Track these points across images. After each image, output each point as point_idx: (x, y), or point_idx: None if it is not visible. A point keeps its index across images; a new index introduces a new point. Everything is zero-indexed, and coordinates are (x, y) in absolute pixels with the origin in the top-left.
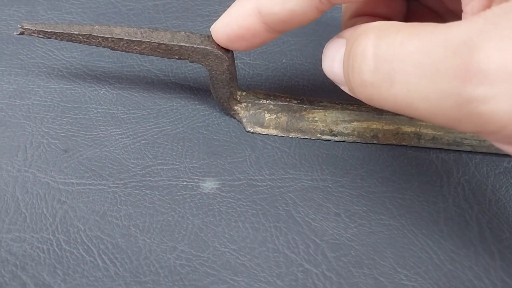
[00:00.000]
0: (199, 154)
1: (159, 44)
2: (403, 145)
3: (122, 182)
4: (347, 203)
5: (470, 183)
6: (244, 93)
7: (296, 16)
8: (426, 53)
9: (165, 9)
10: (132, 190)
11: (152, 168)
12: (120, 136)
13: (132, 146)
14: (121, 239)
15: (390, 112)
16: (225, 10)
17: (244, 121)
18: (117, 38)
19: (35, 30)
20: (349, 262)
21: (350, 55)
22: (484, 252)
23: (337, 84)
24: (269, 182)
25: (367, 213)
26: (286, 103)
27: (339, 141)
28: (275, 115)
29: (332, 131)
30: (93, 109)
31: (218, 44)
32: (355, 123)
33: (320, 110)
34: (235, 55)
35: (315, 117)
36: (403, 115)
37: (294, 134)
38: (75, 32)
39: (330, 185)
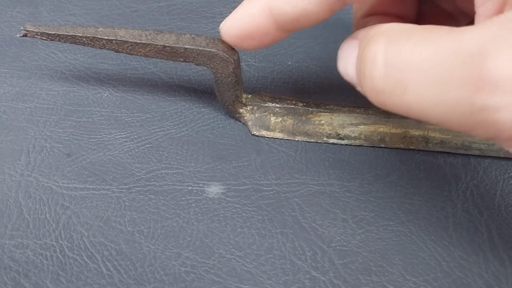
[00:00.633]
0: (204, 158)
1: (164, 46)
2: (411, 149)
3: (126, 187)
4: (354, 208)
5: (479, 188)
6: (250, 95)
7: (307, 16)
8: (438, 61)
9: (169, 11)
10: (137, 195)
11: (157, 172)
12: (124, 140)
13: (136, 150)
14: (125, 246)
15: (397, 115)
16: (230, 12)
17: (249, 124)
18: (122, 40)
19: (38, 32)
20: (357, 269)
21: (361, 60)
22: (494, 259)
23: (352, 85)
24: (275, 187)
25: (375, 219)
26: (292, 106)
27: (346, 144)
28: (280, 118)
29: (339, 134)
30: (97, 112)
31: (224, 47)
32: (362, 126)
33: (327, 113)
34: (240, 57)
35: (321, 120)
36: (411, 119)
37: (300, 138)
38: (79, 34)
39: (337, 190)
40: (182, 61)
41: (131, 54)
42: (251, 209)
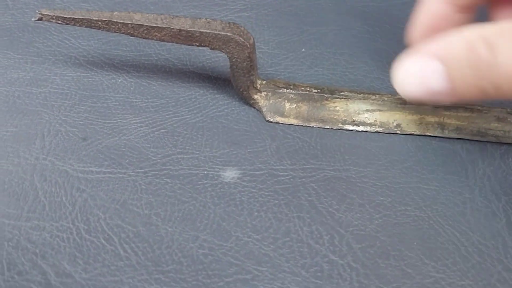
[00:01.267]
0: (218, 143)
1: (180, 30)
2: (427, 135)
3: (142, 170)
4: (371, 193)
5: (496, 174)
6: (264, 82)
7: None
8: None
9: None
10: (153, 178)
11: (172, 157)
12: (139, 125)
13: (151, 135)
14: (143, 228)
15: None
16: None
17: (264, 110)
18: (137, 24)
19: (54, 16)
20: (375, 253)
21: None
22: None
23: (424, 101)
24: (290, 172)
25: (392, 204)
26: (307, 92)
27: (361, 131)
28: (295, 105)
29: (354, 121)
30: (111, 98)
31: (239, 31)
32: (377, 112)
33: (342, 100)
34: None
35: (336, 106)
36: (428, 105)
37: (315, 124)
38: (94, 18)
39: (353, 176)
40: (198, 46)
41: (146, 38)
42: (267, 194)
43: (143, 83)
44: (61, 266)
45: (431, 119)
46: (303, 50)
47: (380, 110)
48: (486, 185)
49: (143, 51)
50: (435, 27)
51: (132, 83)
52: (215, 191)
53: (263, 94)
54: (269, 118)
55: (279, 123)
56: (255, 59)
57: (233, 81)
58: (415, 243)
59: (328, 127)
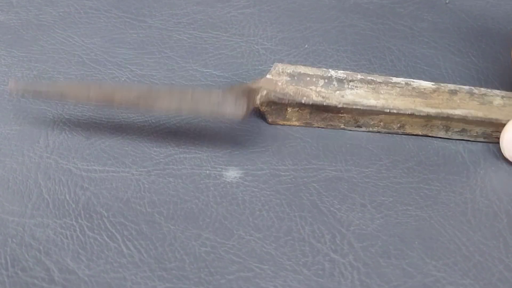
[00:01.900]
0: (221, 143)
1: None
2: (430, 136)
3: (145, 169)
4: (372, 193)
5: (498, 174)
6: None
7: None
8: None
9: None
10: (156, 177)
11: (175, 156)
12: (142, 124)
13: (154, 134)
14: (145, 226)
15: None
16: None
17: (266, 114)
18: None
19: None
20: (376, 252)
21: None
22: None
23: None
24: (292, 172)
25: (394, 204)
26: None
27: (364, 131)
28: (297, 108)
29: (357, 122)
30: None
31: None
32: (381, 114)
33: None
34: (257, 41)
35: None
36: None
37: (318, 125)
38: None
39: (355, 176)
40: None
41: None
42: (269, 193)
43: (146, 81)
44: (64, 263)
45: (436, 121)
46: (306, 46)
47: (385, 113)
48: (487, 185)
49: (146, 49)
50: None
51: (136, 82)
52: (218, 190)
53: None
54: (271, 121)
55: (281, 125)
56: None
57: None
58: (416, 243)
59: (330, 128)
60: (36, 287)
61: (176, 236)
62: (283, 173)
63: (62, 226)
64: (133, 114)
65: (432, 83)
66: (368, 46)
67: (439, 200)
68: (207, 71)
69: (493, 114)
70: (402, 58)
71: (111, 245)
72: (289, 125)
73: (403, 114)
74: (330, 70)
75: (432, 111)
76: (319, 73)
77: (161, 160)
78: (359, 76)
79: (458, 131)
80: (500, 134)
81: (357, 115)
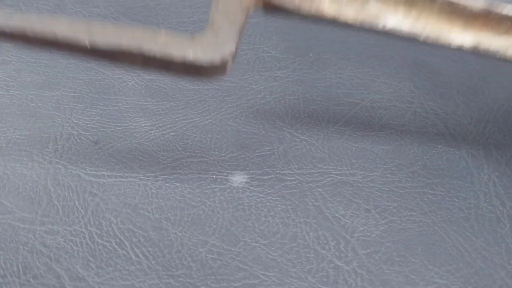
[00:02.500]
0: (227, 146)
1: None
2: (432, 140)
3: (153, 174)
4: (377, 198)
5: (501, 179)
6: None
7: None
8: None
9: (192, 4)
10: (163, 183)
11: (182, 161)
12: (149, 128)
13: (161, 138)
14: (153, 232)
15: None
16: None
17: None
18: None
19: None
20: (380, 259)
21: None
22: None
23: None
24: (297, 177)
25: (398, 209)
26: None
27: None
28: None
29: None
30: (122, 101)
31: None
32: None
33: None
34: (262, 48)
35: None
36: None
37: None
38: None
39: (360, 180)
40: None
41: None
42: (274, 199)
43: (153, 86)
44: (74, 270)
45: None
46: (310, 55)
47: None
48: (491, 190)
49: None
50: None
51: (143, 86)
52: (224, 195)
53: None
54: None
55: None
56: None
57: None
58: (419, 249)
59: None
60: None
61: (183, 242)
62: (288, 178)
63: (72, 233)
64: (140, 118)
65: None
66: (372, 54)
67: (443, 205)
68: None
69: None
70: (405, 66)
71: (120, 252)
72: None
73: None
74: None
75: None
76: None
77: (168, 164)
78: None
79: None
80: None
81: None
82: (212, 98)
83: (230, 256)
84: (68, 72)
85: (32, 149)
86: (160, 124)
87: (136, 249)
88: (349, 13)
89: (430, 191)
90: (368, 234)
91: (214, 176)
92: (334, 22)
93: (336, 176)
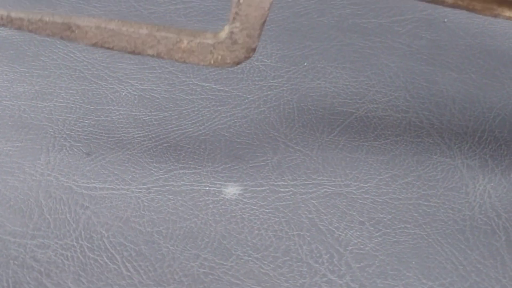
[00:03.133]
0: (221, 157)
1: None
2: (428, 150)
3: (145, 187)
4: (371, 210)
5: (497, 190)
6: None
7: None
8: None
9: (187, 13)
10: (155, 195)
11: (175, 172)
12: (142, 139)
13: (154, 149)
14: (145, 246)
15: None
16: None
17: None
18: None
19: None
20: (373, 272)
21: None
22: None
23: None
24: (291, 188)
25: (392, 221)
26: None
27: None
28: None
29: None
30: (115, 111)
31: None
32: None
33: None
34: (257, 57)
35: None
36: None
37: None
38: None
39: (354, 191)
40: None
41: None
42: (268, 211)
43: (146, 96)
44: (65, 285)
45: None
46: (305, 64)
47: None
48: (486, 202)
49: (147, 63)
50: None
51: (136, 96)
52: (216, 208)
53: None
54: None
55: None
56: None
57: None
58: (413, 262)
59: None
60: None
61: (175, 256)
62: (282, 189)
63: (63, 247)
64: (133, 129)
65: None
66: (367, 63)
67: (438, 217)
68: (207, 85)
69: None
70: (400, 75)
71: (111, 267)
72: None
73: None
74: None
75: None
76: None
77: (161, 176)
78: None
79: None
80: None
81: None
82: (206, 108)
83: (222, 271)
84: (60, 82)
85: (24, 161)
86: (153, 135)
87: (127, 264)
88: None
89: (425, 203)
90: (362, 247)
91: (207, 188)
92: None
93: (330, 187)
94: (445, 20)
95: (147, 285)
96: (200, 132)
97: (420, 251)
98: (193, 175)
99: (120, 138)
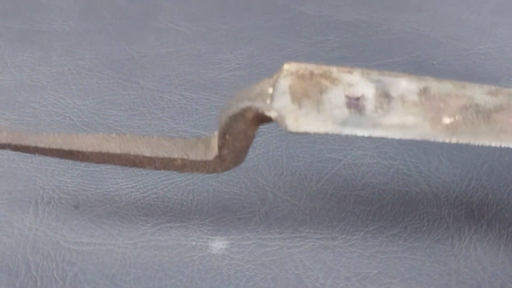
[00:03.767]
0: (208, 208)
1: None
2: (415, 200)
3: (131, 242)
4: (357, 265)
5: (482, 242)
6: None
7: None
8: None
9: (178, 56)
10: (141, 251)
11: (161, 226)
12: (130, 190)
13: (141, 201)
14: None
15: None
16: (237, 58)
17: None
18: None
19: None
20: None
21: None
22: None
23: None
24: (278, 242)
25: (378, 276)
26: None
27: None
28: None
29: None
30: None
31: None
32: None
33: None
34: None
35: None
36: None
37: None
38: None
39: (341, 245)
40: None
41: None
42: (254, 267)
43: None
44: None
45: None
46: None
47: None
48: (472, 254)
49: (137, 110)
50: None
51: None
52: (203, 264)
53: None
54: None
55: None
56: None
57: None
58: None
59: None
60: None
61: None
62: (269, 243)
63: None
64: (121, 180)
65: None
66: None
67: (423, 271)
68: (196, 132)
69: None
70: None
71: None
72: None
73: None
74: None
75: None
76: None
77: (147, 230)
78: None
79: None
80: None
81: None
82: None
83: None
84: (50, 130)
85: (13, 215)
86: (141, 186)
87: None
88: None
89: (411, 256)
90: None
91: (193, 243)
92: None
93: (317, 241)
94: (434, 62)
95: None
96: (188, 182)
97: None
98: (180, 229)
99: (108, 189)
